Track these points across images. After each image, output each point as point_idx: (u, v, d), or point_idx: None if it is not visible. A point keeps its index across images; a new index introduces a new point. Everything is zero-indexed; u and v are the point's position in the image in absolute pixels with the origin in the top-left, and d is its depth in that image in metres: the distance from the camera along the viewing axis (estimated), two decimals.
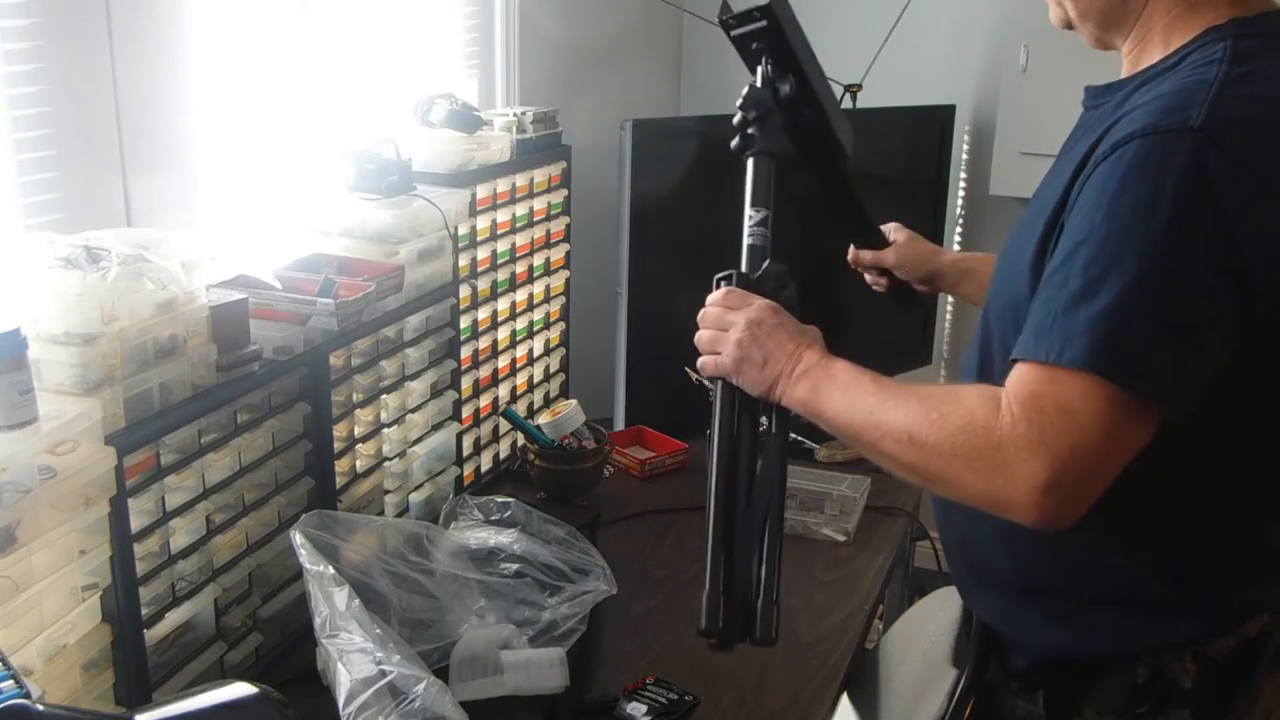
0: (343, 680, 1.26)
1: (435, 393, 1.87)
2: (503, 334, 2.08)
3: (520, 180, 2.06)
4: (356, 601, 1.33)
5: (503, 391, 2.11)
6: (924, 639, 1.53)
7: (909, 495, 2.05)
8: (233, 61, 1.76)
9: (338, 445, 1.61)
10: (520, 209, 2.08)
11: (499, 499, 1.70)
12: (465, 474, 2.00)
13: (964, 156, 3.20)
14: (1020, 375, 1.07)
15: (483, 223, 1.97)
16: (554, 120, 2.16)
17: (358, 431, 1.67)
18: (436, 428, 1.88)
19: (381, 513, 1.76)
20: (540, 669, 1.41)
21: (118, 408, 1.25)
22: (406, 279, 1.72)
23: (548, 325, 2.25)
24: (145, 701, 1.30)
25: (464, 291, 1.92)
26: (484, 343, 2.02)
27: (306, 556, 1.38)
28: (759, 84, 1.36)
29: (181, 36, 1.64)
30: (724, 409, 1.24)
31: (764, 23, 1.36)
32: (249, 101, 1.81)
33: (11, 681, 0.93)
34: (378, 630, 1.31)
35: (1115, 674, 1.22)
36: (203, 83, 1.69)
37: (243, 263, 1.55)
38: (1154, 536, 1.19)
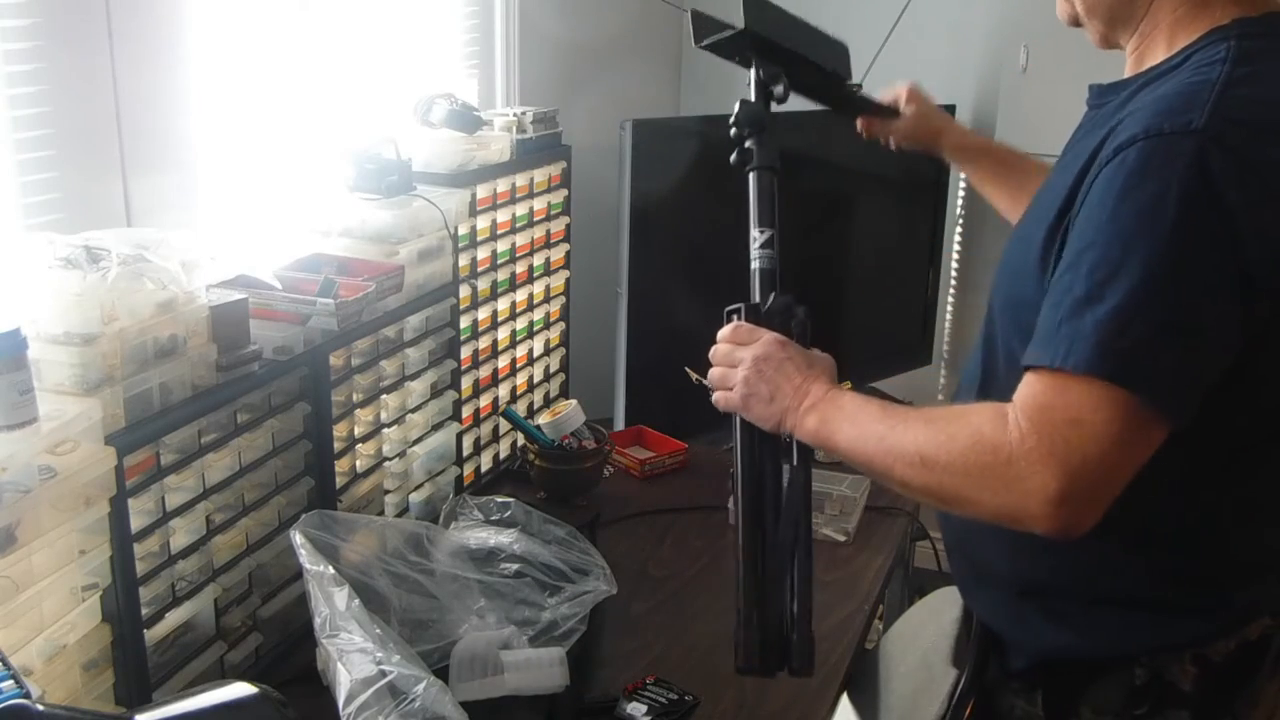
0: (343, 680, 1.26)
1: (435, 393, 1.87)
2: (503, 334, 2.08)
3: (520, 180, 2.06)
4: (356, 601, 1.33)
5: (503, 391, 2.11)
6: (924, 639, 1.53)
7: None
8: (233, 61, 1.76)
9: (338, 445, 1.61)
10: (520, 209, 2.08)
11: (499, 499, 1.70)
12: (465, 474, 2.00)
13: None
14: (1029, 385, 1.07)
15: (483, 223, 1.97)
16: (554, 120, 2.16)
17: (358, 431, 1.67)
18: (436, 428, 1.88)
19: (381, 513, 1.76)
20: (540, 669, 1.40)
21: (118, 408, 1.25)
22: (406, 279, 1.72)
23: (548, 325, 2.25)
24: (145, 701, 1.30)
25: (464, 291, 1.92)
26: (484, 343, 2.02)
27: (306, 556, 1.38)
28: (752, 96, 1.36)
29: (181, 36, 1.64)
30: (744, 444, 1.26)
31: (731, 31, 1.36)
32: (249, 101, 1.81)
33: (11, 681, 0.93)
34: (378, 630, 1.31)
35: (1114, 675, 1.22)
36: (203, 83, 1.69)
37: (243, 263, 1.55)
38: (1153, 538, 1.19)
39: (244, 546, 1.47)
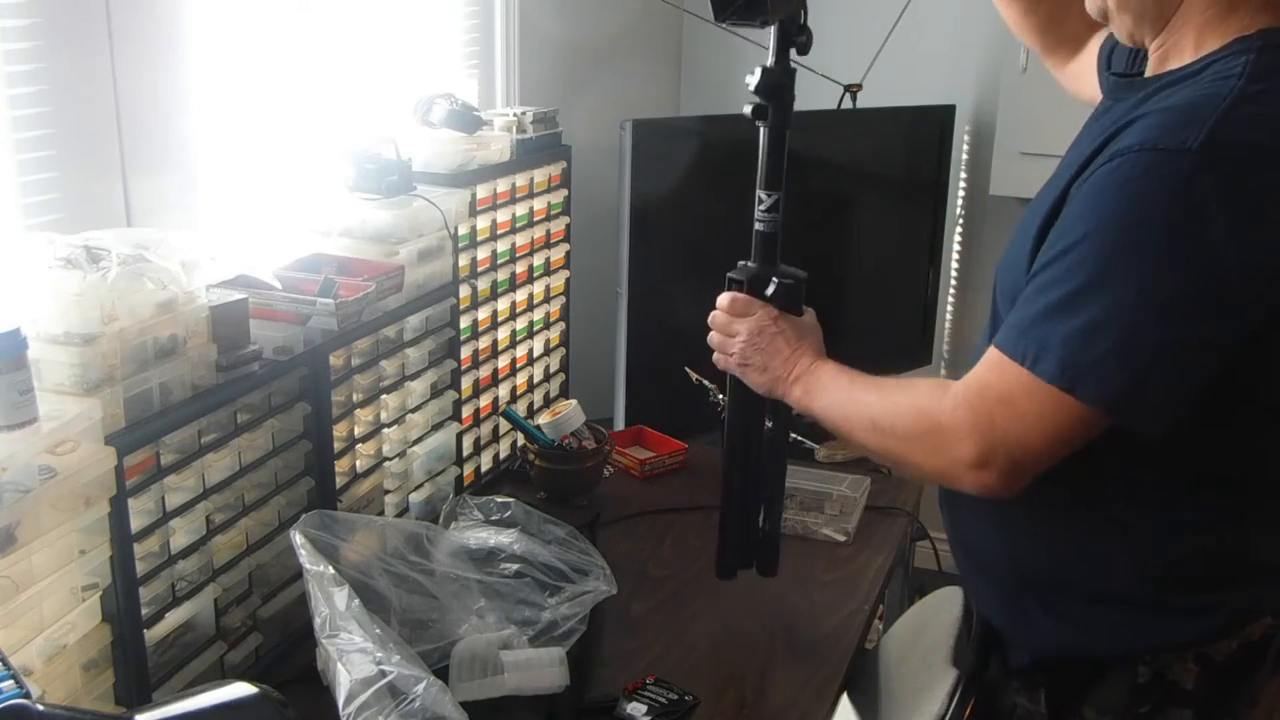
0: (343, 680, 1.26)
1: (435, 393, 1.87)
2: (503, 334, 2.08)
3: (520, 180, 2.06)
4: (356, 601, 1.33)
5: (503, 391, 2.11)
6: (924, 639, 1.53)
7: (909, 495, 2.05)
8: (233, 61, 1.76)
9: (338, 445, 1.61)
10: (520, 209, 2.08)
11: (499, 499, 1.70)
12: (465, 474, 2.00)
13: (964, 156, 3.20)
14: (986, 360, 1.16)
15: (483, 223, 1.97)
16: (554, 120, 2.16)
17: (358, 431, 1.67)
18: (436, 428, 1.88)
19: (381, 513, 1.76)
20: (540, 669, 1.40)
21: (118, 408, 1.25)
22: (406, 279, 1.72)
23: (548, 325, 2.25)
24: (145, 701, 1.30)
25: (464, 291, 1.92)
26: (484, 343, 2.02)
27: (306, 556, 1.38)
28: (772, 62, 1.37)
29: (181, 36, 1.64)
30: (734, 398, 1.50)
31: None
32: (249, 102, 1.81)
33: (11, 681, 0.93)
34: (378, 630, 1.31)
35: (1116, 674, 1.22)
36: (203, 83, 1.69)
37: (243, 263, 1.55)
38: (1153, 537, 1.19)
39: (244, 546, 1.47)
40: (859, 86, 2.99)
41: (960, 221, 3.24)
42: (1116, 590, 1.21)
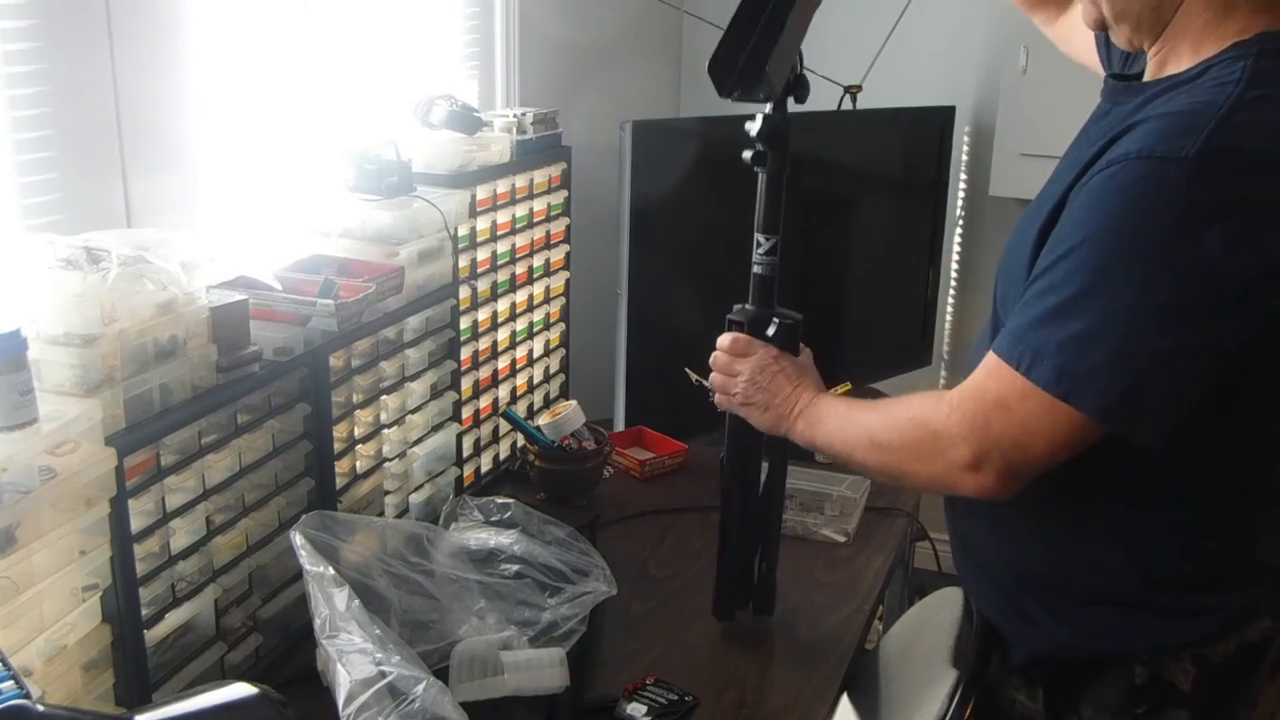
0: (342, 681, 1.26)
1: (435, 394, 1.87)
2: (503, 335, 2.08)
3: (520, 181, 2.06)
4: (356, 602, 1.33)
5: (503, 392, 2.11)
6: (924, 639, 1.53)
7: (909, 496, 2.05)
8: (233, 62, 1.76)
9: (338, 446, 1.61)
10: (520, 210, 2.08)
11: (499, 500, 1.70)
12: (465, 475, 2.00)
13: (964, 157, 3.20)
14: (984, 364, 1.17)
15: (483, 224, 1.97)
16: (554, 121, 2.16)
17: (358, 432, 1.67)
18: (436, 429, 1.88)
19: (381, 513, 1.76)
20: (540, 669, 1.40)
21: (118, 408, 1.25)
22: (406, 280, 1.72)
23: (548, 326, 2.25)
24: (145, 702, 1.30)
25: (464, 292, 1.92)
26: (484, 344, 2.02)
27: (306, 557, 1.38)
28: (771, 110, 1.39)
29: (181, 36, 1.64)
30: (732, 436, 1.53)
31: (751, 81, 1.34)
32: (249, 102, 1.81)
33: (11, 682, 0.93)
34: (377, 631, 1.31)
35: (1114, 673, 1.22)
36: (203, 83, 1.69)
37: (243, 263, 1.55)
38: (1148, 540, 1.19)
39: (244, 547, 1.47)
40: (859, 87, 2.99)
41: (960, 222, 3.25)
42: (1115, 591, 1.22)
